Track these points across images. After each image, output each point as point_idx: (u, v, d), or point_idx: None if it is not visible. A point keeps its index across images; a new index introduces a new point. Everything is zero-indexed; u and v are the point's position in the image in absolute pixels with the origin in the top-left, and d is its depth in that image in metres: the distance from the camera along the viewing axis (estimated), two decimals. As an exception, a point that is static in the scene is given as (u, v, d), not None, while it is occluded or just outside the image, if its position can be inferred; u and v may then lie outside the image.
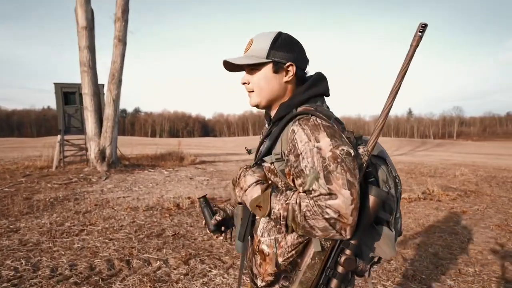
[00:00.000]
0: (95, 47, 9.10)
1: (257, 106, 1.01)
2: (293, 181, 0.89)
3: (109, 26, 8.84)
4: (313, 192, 0.81)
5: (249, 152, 1.15)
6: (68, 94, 10.88)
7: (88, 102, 8.98)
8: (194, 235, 3.65)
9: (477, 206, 5.13)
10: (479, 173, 9.78)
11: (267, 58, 0.95)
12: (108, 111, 9.09)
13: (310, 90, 0.97)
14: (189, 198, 5.41)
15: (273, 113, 1.03)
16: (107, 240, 3.42)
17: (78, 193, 5.91)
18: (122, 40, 9.06)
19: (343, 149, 0.82)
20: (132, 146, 21.48)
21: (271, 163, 0.93)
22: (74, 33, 8.98)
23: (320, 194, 0.80)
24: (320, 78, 1.00)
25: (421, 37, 0.80)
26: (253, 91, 0.99)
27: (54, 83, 10.59)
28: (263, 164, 0.96)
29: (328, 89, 1.01)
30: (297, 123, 0.88)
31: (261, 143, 1.03)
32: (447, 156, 19.31)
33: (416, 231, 3.97)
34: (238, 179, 0.95)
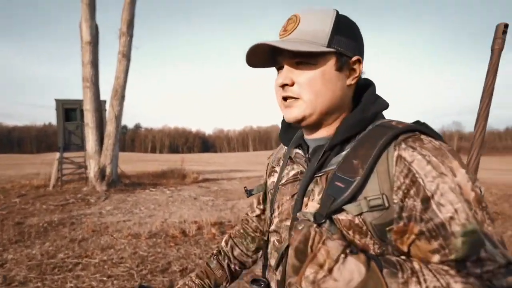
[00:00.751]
0: (98, 63, 8.90)
1: (301, 120, 0.67)
2: (409, 243, 0.57)
3: (111, 41, 8.66)
4: (479, 264, 0.50)
5: (249, 193, 0.90)
6: (69, 111, 10.62)
7: (89, 118, 8.68)
8: (205, 270, 3.22)
9: (511, 232, 4.70)
10: (493, 191, 9.36)
11: (328, 46, 0.63)
12: (110, 128, 8.77)
13: (380, 99, 0.70)
14: (195, 222, 4.98)
15: (315, 133, 0.71)
16: (104, 278, 2.98)
17: (75, 216, 5.48)
18: (126, 56, 8.86)
19: (480, 187, 0.56)
20: (133, 162, 21.12)
21: (359, 214, 0.58)
22: (77, 49, 8.80)
23: (498, 267, 0.50)
24: (373, 84, 0.73)
25: (504, 40, 0.72)
26: (298, 98, 0.65)
27: (55, 99, 10.36)
28: (335, 217, 0.61)
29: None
30: (404, 146, 0.58)
31: (308, 182, 0.67)
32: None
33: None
34: (311, 248, 0.53)
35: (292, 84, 0.65)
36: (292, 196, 0.71)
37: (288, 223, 0.71)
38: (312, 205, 0.65)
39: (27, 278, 2.93)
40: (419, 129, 0.61)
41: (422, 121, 0.67)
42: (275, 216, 0.76)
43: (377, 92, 0.71)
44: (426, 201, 0.54)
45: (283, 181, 0.76)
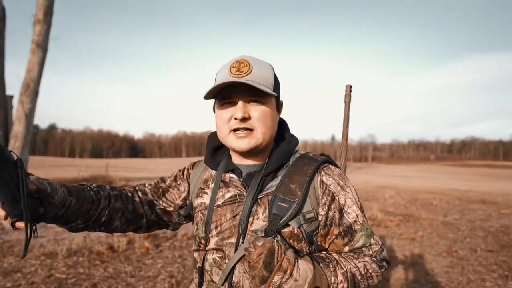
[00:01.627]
0: (4, 51, 7.57)
1: (254, 148, 0.79)
2: (330, 242, 0.80)
3: (22, 28, 7.47)
4: (369, 248, 0.79)
5: (180, 216, 0.95)
6: (-39, 105, 8.76)
7: (-11, 115, 7.28)
8: (138, 290, 2.90)
9: (421, 232, 5.40)
10: (403, 195, 10.77)
11: (273, 91, 0.79)
12: (18, 128, 7.49)
13: (294, 135, 0.89)
14: (125, 235, 4.52)
15: (248, 160, 0.83)
16: (9, 310, 2.46)
17: (-34, 234, 4.48)
18: (41, 46, 7.72)
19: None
20: (45, 168, 18.49)
21: (299, 226, 0.76)
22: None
23: (379, 248, 0.80)
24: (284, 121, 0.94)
25: (351, 96, 1.06)
26: (252, 130, 0.78)
27: None
28: (280, 231, 0.76)
29: None
30: (322, 173, 0.80)
31: (253, 203, 0.78)
32: (368, 178, 21.20)
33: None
34: (276, 259, 0.66)
35: (250, 118, 0.77)
36: (234, 216, 0.81)
37: (232, 240, 0.80)
38: (257, 223, 0.78)
39: None
40: (329, 160, 0.84)
41: (327, 154, 0.89)
42: (212, 236, 0.83)
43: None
44: (341, 211, 0.78)
45: (219, 203, 0.84)
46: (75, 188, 0.76)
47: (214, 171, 0.89)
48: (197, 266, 0.86)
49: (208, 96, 0.77)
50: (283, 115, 0.91)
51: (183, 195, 0.95)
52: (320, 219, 0.78)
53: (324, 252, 0.79)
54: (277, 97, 0.83)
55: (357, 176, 24.66)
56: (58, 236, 4.53)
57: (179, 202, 0.95)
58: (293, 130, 0.92)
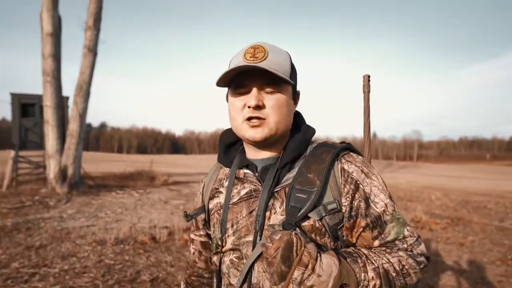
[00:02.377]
0: (61, 56, 8.33)
1: (267, 139, 0.74)
2: (357, 235, 0.73)
3: (77, 34, 8.16)
4: (404, 241, 0.70)
5: (190, 217, 0.86)
6: (26, 106, 9.82)
7: (49, 115, 8.07)
8: (177, 279, 3.06)
9: (472, 237, 4.99)
10: (452, 197, 10.00)
11: (290, 78, 0.74)
12: (73, 126, 8.23)
13: (310, 125, 0.85)
14: (166, 227, 4.78)
15: (262, 153, 0.79)
16: (66, 290, 2.74)
17: (32, 220, 5.04)
18: (92, 50, 8.38)
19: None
20: (97, 162, 20.04)
21: (320, 218, 0.70)
22: (37, 40, 8.18)
23: (415, 241, 0.71)
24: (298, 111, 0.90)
25: (369, 85, 1.01)
26: (265, 119, 0.73)
27: (10, 93, 9.54)
28: (300, 224, 0.71)
29: None
30: (343, 160, 0.75)
31: (269, 197, 0.74)
32: (413, 178, 19.98)
33: (420, 266, 3.66)
34: (296, 252, 0.60)
35: (264, 106, 0.72)
36: (250, 212, 0.76)
37: (249, 238, 0.75)
38: (275, 218, 0.72)
39: (-27, 293, 2.61)
40: (349, 147, 0.78)
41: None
42: (228, 235, 0.78)
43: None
44: (367, 200, 0.71)
45: (234, 200, 0.79)
46: None
47: (228, 169, 0.85)
48: (216, 270, 0.82)
49: (220, 83, 0.74)
50: (302, 108, 0.86)
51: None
52: (344, 210, 0.71)
53: (351, 247, 0.71)
54: (294, 86, 0.78)
55: (401, 175, 23.40)
56: (108, 225, 4.93)
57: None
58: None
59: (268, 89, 0.72)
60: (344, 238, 0.73)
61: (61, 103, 8.39)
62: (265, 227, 0.72)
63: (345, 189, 0.71)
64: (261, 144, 0.76)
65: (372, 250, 0.70)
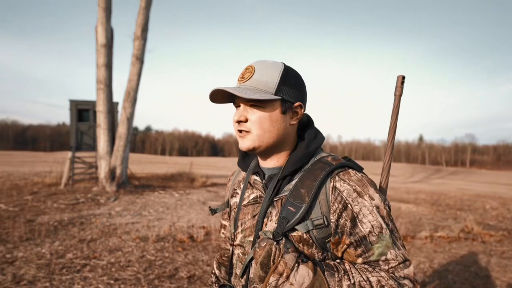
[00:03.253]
0: (112, 65, 9.04)
1: (252, 150, 0.82)
2: (342, 251, 0.77)
3: (126, 43, 8.80)
4: (386, 262, 0.72)
5: (214, 211, 1.01)
6: (82, 111, 10.81)
7: (101, 119, 8.79)
8: (212, 277, 3.16)
9: (531, 251, 4.50)
10: (510, 207, 9.06)
11: (276, 94, 0.79)
12: (122, 130, 8.86)
13: (319, 134, 0.87)
14: (203, 227, 4.95)
15: (268, 162, 0.86)
16: (112, 281, 2.96)
17: (85, 216, 5.52)
18: (140, 59, 8.98)
19: (388, 204, 0.82)
20: (142, 164, 21.29)
21: (307, 231, 0.76)
22: (89, 51, 8.96)
23: (398, 264, 0.73)
24: (312, 121, 0.92)
25: (402, 88, 0.92)
26: (249, 132, 0.81)
27: (69, 100, 10.57)
28: (289, 234, 0.77)
29: None
30: (337, 178, 0.77)
31: (268, 206, 0.82)
32: (465, 185, 18.44)
33: (473, 283, 3.38)
34: (272, 261, 0.70)
35: (246, 121, 0.80)
36: (254, 216, 0.85)
37: (251, 238, 0.85)
38: (270, 225, 0.80)
39: (35, 278, 2.93)
40: (348, 164, 0.79)
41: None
42: (238, 232, 0.89)
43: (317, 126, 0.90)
44: (353, 220, 0.74)
45: (244, 202, 0.89)
46: None
47: (245, 173, 0.95)
48: (230, 259, 0.94)
49: (216, 101, 0.84)
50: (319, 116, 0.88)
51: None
52: (331, 226, 0.76)
53: (336, 260, 0.77)
54: (286, 100, 0.80)
55: (451, 182, 21.74)
56: (150, 223, 5.22)
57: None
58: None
59: (253, 106, 0.79)
60: (331, 251, 0.79)
61: (111, 108, 9.09)
62: (260, 233, 0.78)
63: (333, 207, 0.75)
64: (259, 154, 0.85)
65: (356, 266, 0.74)
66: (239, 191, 0.95)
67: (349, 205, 0.74)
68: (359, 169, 0.81)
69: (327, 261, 0.76)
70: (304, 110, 0.85)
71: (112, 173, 8.53)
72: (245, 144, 0.81)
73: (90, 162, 10.27)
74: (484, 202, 9.81)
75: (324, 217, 0.75)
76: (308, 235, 0.76)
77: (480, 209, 8.51)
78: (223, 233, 1.07)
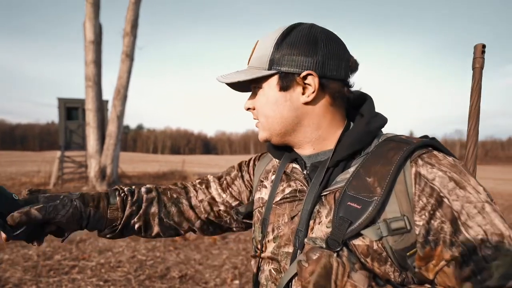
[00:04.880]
0: (101, 62, 8.86)
1: (266, 140, 0.69)
2: (436, 271, 0.51)
3: (115, 41, 8.67)
4: None
5: (241, 214, 0.78)
6: (71, 110, 10.62)
7: (91, 118, 8.63)
8: (205, 277, 3.12)
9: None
10: (499, 201, 9.25)
11: (269, 68, 0.62)
12: (112, 128, 8.71)
13: (380, 113, 0.66)
14: (195, 226, 4.90)
15: (303, 150, 0.67)
16: (101, 282, 2.89)
17: (74, 216, 5.41)
18: (129, 56, 8.82)
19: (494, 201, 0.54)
20: (134, 162, 21.08)
21: (379, 238, 0.52)
22: (78, 48, 8.78)
23: None
24: (370, 98, 0.69)
25: (483, 58, 0.73)
26: (259, 121, 0.68)
27: (58, 98, 10.37)
28: (351, 243, 0.54)
29: None
30: (420, 162, 0.54)
31: (315, 202, 0.60)
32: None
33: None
34: (334, 282, 0.48)
35: (254, 108, 0.68)
36: (292, 218, 0.64)
37: (289, 249, 0.63)
38: (319, 229, 0.59)
39: (21, 280, 2.85)
40: (432, 144, 0.58)
41: (431, 135, 0.62)
42: (269, 240, 0.67)
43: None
44: (454, 222, 0.50)
45: (277, 199, 0.68)
46: (94, 197, 0.72)
47: (278, 161, 0.74)
48: (253, 276, 0.72)
49: (240, 90, 0.72)
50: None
51: (246, 190, 0.82)
52: (417, 231, 0.52)
53: (427, 286, 0.53)
54: (285, 72, 0.61)
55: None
56: (141, 222, 5.15)
57: (243, 197, 0.82)
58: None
59: (256, 89, 0.66)
60: (417, 270, 0.54)
61: (101, 106, 8.92)
62: (306, 240, 0.56)
63: (420, 202, 0.52)
64: (282, 143, 0.69)
65: None
66: (267, 184, 0.73)
67: (445, 200, 0.50)
68: (447, 151, 0.58)
69: (413, 286, 0.53)
70: (342, 79, 0.62)
71: (102, 172, 8.39)
72: (259, 135, 0.68)
73: (80, 161, 10.10)
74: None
75: (405, 217, 0.52)
76: (380, 244, 0.53)
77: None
78: (202, 190, 0.82)
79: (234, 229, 0.84)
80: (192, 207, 0.81)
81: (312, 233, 0.59)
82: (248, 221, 0.79)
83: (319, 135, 0.65)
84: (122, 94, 8.79)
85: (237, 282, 3.02)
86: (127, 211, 0.74)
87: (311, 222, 0.60)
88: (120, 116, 8.80)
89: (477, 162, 0.74)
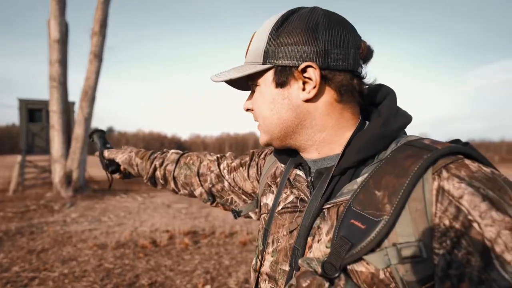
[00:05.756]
0: (67, 62, 8.47)
1: (267, 145, 0.61)
2: None
3: (82, 40, 8.31)
4: None
5: (238, 214, 0.76)
6: (33, 111, 10.03)
7: (55, 120, 8.19)
8: (176, 283, 3.05)
9: None
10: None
11: (264, 62, 0.54)
12: (78, 131, 8.32)
13: (401, 110, 0.55)
14: (167, 231, 4.78)
15: (306, 154, 0.58)
16: (64, 294, 2.75)
17: (35, 224, 5.09)
18: (98, 56, 8.49)
19: None
20: (103, 167, 20.15)
21: (387, 266, 0.42)
22: (42, 47, 8.34)
23: None
24: (392, 92, 0.58)
25: None
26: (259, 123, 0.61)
27: (18, 99, 9.76)
28: (351, 268, 0.45)
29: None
30: (445, 174, 0.42)
31: (315, 216, 0.51)
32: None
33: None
34: None
35: (253, 109, 0.61)
36: (291, 232, 0.56)
37: (286, 267, 0.55)
38: (317, 248, 0.50)
39: (-27, 296, 2.64)
40: (463, 151, 0.45)
41: (464, 140, 0.49)
42: (268, 252, 0.60)
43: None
44: (485, 254, 0.38)
45: (279, 208, 0.61)
46: (144, 153, 0.96)
47: (283, 166, 0.66)
48: None
49: (240, 88, 0.66)
50: None
51: (248, 181, 0.79)
52: (436, 261, 0.41)
53: None
54: (281, 65, 0.53)
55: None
56: (110, 229, 4.95)
57: (247, 186, 0.79)
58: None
59: (254, 87, 0.59)
60: None
61: (67, 108, 8.52)
62: (300, 261, 0.48)
63: (442, 225, 0.42)
64: (285, 147, 0.61)
65: None
66: (274, 190, 0.65)
67: (475, 225, 0.40)
68: (485, 160, 0.46)
69: None
70: (352, 70, 0.52)
71: (68, 177, 7.98)
72: (260, 139, 0.61)
73: (43, 166, 9.54)
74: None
75: (420, 243, 0.42)
76: (388, 273, 0.43)
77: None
78: (208, 161, 0.88)
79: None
80: (198, 174, 0.87)
81: (310, 252, 0.51)
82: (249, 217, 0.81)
83: (323, 137, 0.55)
84: (90, 96, 8.44)
85: (208, 287, 2.98)
86: (153, 165, 0.92)
87: (310, 239, 0.51)
88: (88, 119, 8.43)
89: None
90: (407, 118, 0.53)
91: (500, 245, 0.38)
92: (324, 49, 0.51)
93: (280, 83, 0.53)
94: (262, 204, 0.69)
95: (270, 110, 0.56)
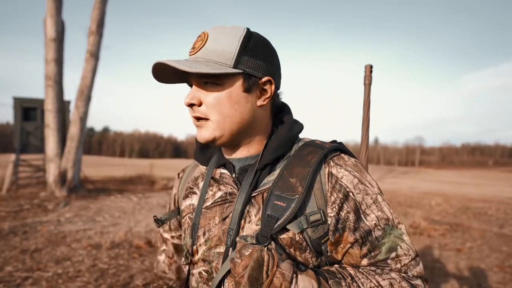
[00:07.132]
0: (63, 61, 8.42)
1: (212, 141, 0.66)
2: (344, 252, 0.63)
3: (78, 39, 8.27)
4: (397, 260, 0.60)
5: (161, 222, 0.80)
6: (28, 110, 9.93)
7: (50, 119, 8.13)
8: (170, 284, 3.05)
9: (470, 243, 4.95)
10: (452, 203, 9.92)
11: (235, 67, 0.62)
12: (74, 130, 8.27)
13: (298, 122, 0.74)
14: (162, 232, 4.77)
15: (236, 153, 0.70)
16: (58, 294, 2.73)
17: (29, 224, 5.05)
18: (94, 55, 8.46)
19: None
20: (99, 166, 20.07)
21: (301, 231, 0.61)
22: (39, 45, 8.28)
23: (410, 260, 0.60)
24: (288, 107, 0.76)
25: (371, 77, 0.87)
26: (207, 119, 0.64)
27: (13, 97, 9.66)
28: (277, 236, 0.62)
29: None
30: (332, 163, 0.65)
31: (246, 203, 0.65)
32: (414, 184, 19.85)
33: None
34: (266, 273, 0.52)
35: (200, 105, 0.64)
36: (224, 219, 0.67)
37: (220, 249, 0.66)
38: (249, 227, 0.64)
39: (-35, 296, 2.61)
40: (340, 148, 0.68)
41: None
42: (200, 244, 0.69)
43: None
44: (357, 211, 0.61)
45: (208, 204, 0.71)
46: None
47: (205, 167, 0.76)
48: (185, 282, 0.75)
49: (165, 80, 0.66)
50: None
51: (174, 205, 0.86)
52: (329, 222, 0.61)
53: (336, 266, 0.63)
54: (248, 74, 0.63)
55: (402, 181, 23.26)
56: (104, 229, 4.92)
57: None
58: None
59: (208, 84, 0.63)
60: (329, 254, 0.64)
61: (62, 107, 8.46)
62: (237, 239, 0.60)
63: (332, 197, 0.62)
64: (223, 145, 0.69)
65: (360, 269, 0.60)
66: (197, 191, 0.75)
67: (350, 194, 0.61)
68: (351, 154, 0.69)
69: (326, 268, 0.62)
70: (277, 88, 0.68)
71: (62, 176, 7.93)
72: (203, 135, 0.65)
73: (38, 165, 9.46)
74: (430, 199, 10.63)
75: (321, 211, 0.61)
76: (301, 236, 0.61)
77: (426, 205, 9.20)
78: (164, 249, 0.87)
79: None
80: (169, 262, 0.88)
81: (243, 232, 0.64)
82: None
83: (258, 138, 0.69)
84: (86, 95, 8.40)
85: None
86: None
87: (242, 221, 0.64)
88: (84, 118, 8.39)
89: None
90: (301, 126, 0.72)
91: (364, 205, 0.62)
92: (274, 70, 0.67)
93: (247, 89, 0.64)
94: (184, 207, 0.77)
95: (235, 110, 0.64)
